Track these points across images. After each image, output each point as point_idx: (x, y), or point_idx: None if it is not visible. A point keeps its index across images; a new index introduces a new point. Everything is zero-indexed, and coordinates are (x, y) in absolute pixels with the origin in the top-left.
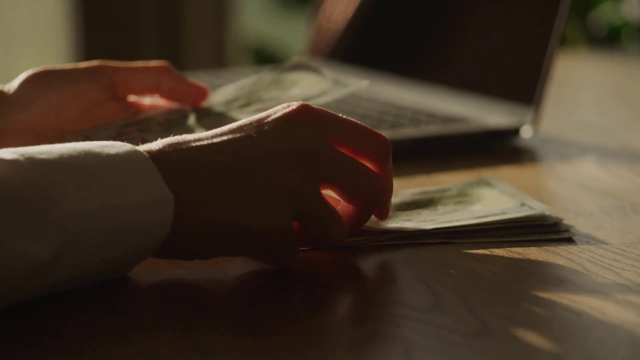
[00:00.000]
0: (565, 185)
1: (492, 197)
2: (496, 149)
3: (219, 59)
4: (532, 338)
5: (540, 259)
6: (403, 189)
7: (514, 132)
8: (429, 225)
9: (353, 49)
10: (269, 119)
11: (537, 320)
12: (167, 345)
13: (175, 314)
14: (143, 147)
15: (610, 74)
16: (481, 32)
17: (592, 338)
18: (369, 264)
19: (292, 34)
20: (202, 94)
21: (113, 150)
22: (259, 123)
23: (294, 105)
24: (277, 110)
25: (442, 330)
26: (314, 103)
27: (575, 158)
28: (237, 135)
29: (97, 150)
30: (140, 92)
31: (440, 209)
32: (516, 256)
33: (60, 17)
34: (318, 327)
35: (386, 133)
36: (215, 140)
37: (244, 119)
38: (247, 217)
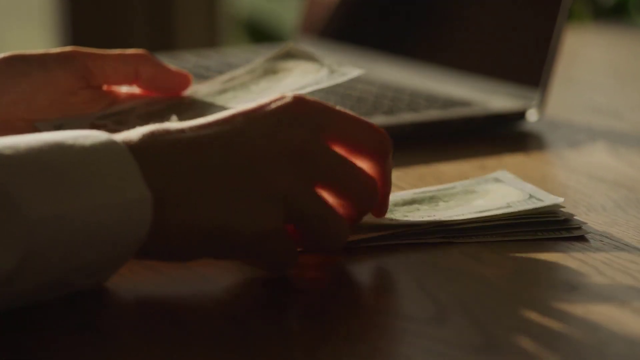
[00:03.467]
0: (574, 175)
1: (498, 191)
2: (500, 135)
3: (211, 36)
4: (542, 354)
5: (550, 261)
6: (400, 180)
7: (519, 116)
8: (425, 222)
9: (349, 26)
10: (261, 112)
11: (548, 333)
12: None
13: (154, 330)
14: (120, 137)
15: (620, 50)
16: (484, 9)
17: (610, 354)
18: (364, 269)
19: (285, 7)
20: (184, 82)
21: (87, 142)
22: (250, 116)
23: (287, 98)
24: (270, 103)
25: (444, 345)
26: (307, 92)
27: (584, 144)
28: (225, 128)
29: (69, 142)
30: (117, 82)
31: (442, 204)
32: (524, 257)
33: None
34: (310, 344)
35: (383, 118)
36: (201, 133)
37: (233, 110)
38: (235, 221)
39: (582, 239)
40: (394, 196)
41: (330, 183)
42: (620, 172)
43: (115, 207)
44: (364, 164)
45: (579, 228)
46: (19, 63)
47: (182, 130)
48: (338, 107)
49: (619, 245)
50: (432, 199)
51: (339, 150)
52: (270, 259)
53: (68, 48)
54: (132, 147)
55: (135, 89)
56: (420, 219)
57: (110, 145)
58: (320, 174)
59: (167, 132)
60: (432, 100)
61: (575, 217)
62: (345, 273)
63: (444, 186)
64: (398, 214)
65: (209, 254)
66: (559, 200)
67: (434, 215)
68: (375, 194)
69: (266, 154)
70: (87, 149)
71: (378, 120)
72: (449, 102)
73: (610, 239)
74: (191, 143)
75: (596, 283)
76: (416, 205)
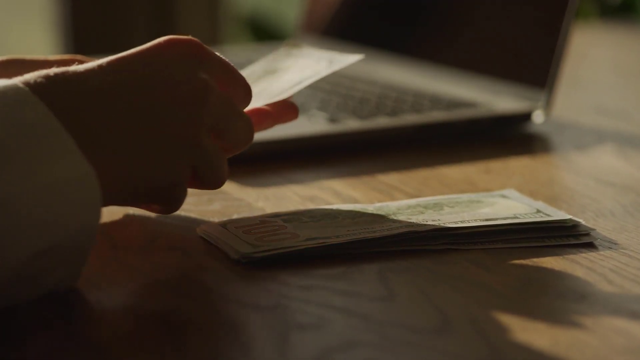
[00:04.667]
0: (582, 179)
1: (505, 203)
2: (506, 137)
3: (213, 34)
4: None
5: (557, 269)
6: (403, 184)
7: (525, 117)
8: (429, 227)
9: (351, 24)
10: (159, 57)
11: (556, 347)
12: None
13: (139, 333)
14: (20, 80)
15: (627, 49)
16: (489, 8)
17: None
18: (365, 276)
19: (288, 5)
20: None
21: None
22: (147, 60)
23: (185, 43)
24: (168, 47)
25: (449, 357)
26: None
27: (592, 147)
28: (124, 77)
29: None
30: None
31: (446, 209)
32: (530, 265)
33: None
34: (308, 355)
35: (386, 120)
36: (107, 79)
37: (124, 53)
38: (149, 175)
39: (590, 245)
40: (399, 203)
41: (220, 127)
42: (629, 176)
43: (61, 182)
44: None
45: (587, 234)
46: (17, 67)
47: (83, 75)
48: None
49: (629, 253)
50: (436, 205)
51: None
52: (166, 204)
53: (68, 55)
54: (30, 86)
55: None
56: (424, 222)
57: (17, 90)
58: (215, 119)
59: (66, 80)
60: (436, 101)
61: (583, 223)
62: (344, 278)
63: (449, 196)
64: (402, 217)
65: (123, 201)
66: (567, 216)
67: (439, 220)
68: (252, 134)
69: (168, 104)
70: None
71: (381, 121)
72: (454, 103)
73: (619, 246)
74: (95, 94)
75: (605, 292)
76: (420, 209)
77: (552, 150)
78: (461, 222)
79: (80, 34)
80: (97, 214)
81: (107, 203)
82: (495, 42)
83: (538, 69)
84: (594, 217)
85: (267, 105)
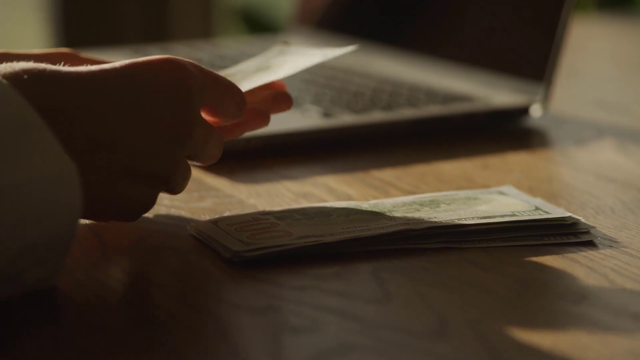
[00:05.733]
0: (581, 175)
1: (502, 201)
2: (503, 131)
3: (206, 26)
4: None
5: (557, 268)
6: (399, 180)
7: (523, 111)
8: (426, 225)
9: (345, 16)
10: (147, 83)
11: (556, 349)
12: None
13: (128, 335)
14: None
15: (626, 41)
16: (486, 0)
17: None
18: (360, 276)
19: None
20: None
21: None
22: (135, 81)
23: (176, 68)
24: (156, 70)
25: None
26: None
27: (591, 141)
28: (110, 74)
29: None
30: None
31: (443, 207)
32: (529, 265)
33: None
34: (301, 358)
35: (381, 114)
36: (89, 78)
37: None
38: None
39: (590, 244)
40: (394, 200)
41: (211, 102)
42: (629, 172)
43: (41, 178)
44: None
45: (587, 232)
46: (3, 61)
47: (68, 72)
48: (212, 71)
49: (630, 251)
50: (432, 202)
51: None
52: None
53: (55, 50)
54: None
55: None
56: (420, 220)
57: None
58: (191, 150)
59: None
60: (432, 95)
61: (582, 221)
62: (337, 278)
63: (446, 192)
64: (397, 214)
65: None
66: (566, 214)
67: (435, 217)
68: (244, 102)
69: (148, 134)
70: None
71: (376, 116)
72: (450, 97)
73: (620, 244)
74: (81, 82)
75: (606, 292)
76: (416, 206)
77: (550, 145)
78: (458, 219)
79: (72, 26)
80: (77, 211)
81: (97, 194)
82: (492, 35)
83: (536, 61)
84: (594, 214)
85: (261, 87)
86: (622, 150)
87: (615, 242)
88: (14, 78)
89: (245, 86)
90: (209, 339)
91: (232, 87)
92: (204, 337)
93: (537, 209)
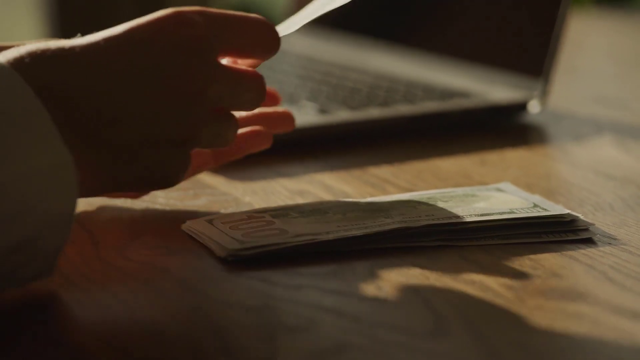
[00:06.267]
0: (580, 171)
1: (501, 197)
2: (501, 127)
3: None
4: None
5: (556, 266)
6: (396, 177)
7: (521, 107)
8: (422, 223)
9: (342, 11)
10: (141, 29)
11: (555, 348)
12: None
13: (120, 335)
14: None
15: (623, 37)
16: None
17: None
18: (356, 274)
19: None
20: None
21: None
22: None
23: (166, 13)
24: (151, 22)
25: None
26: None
27: (590, 138)
28: (116, 42)
29: None
30: None
31: (440, 204)
32: (527, 263)
33: None
34: (297, 358)
35: (377, 110)
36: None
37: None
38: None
39: (589, 241)
40: (391, 197)
41: (235, 44)
42: (628, 168)
43: (36, 172)
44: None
45: (586, 230)
46: None
47: (71, 47)
48: (221, 12)
49: (629, 249)
50: (430, 199)
51: (229, 56)
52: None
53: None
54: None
55: None
56: (417, 218)
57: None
58: (214, 102)
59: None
60: (429, 91)
61: (581, 218)
62: (332, 277)
63: (443, 190)
64: (394, 212)
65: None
66: (565, 211)
67: (432, 215)
68: (263, 96)
69: (159, 101)
70: None
71: (372, 112)
72: (447, 93)
73: (620, 242)
74: (94, 52)
75: (605, 290)
76: (413, 204)
77: (548, 141)
78: (456, 217)
79: (66, 22)
80: (73, 205)
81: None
82: (490, 30)
83: (534, 57)
84: (592, 211)
85: (265, 109)
86: (621, 146)
87: (615, 239)
88: (18, 62)
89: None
90: (204, 339)
91: (249, 19)
92: (199, 337)
93: (535, 205)
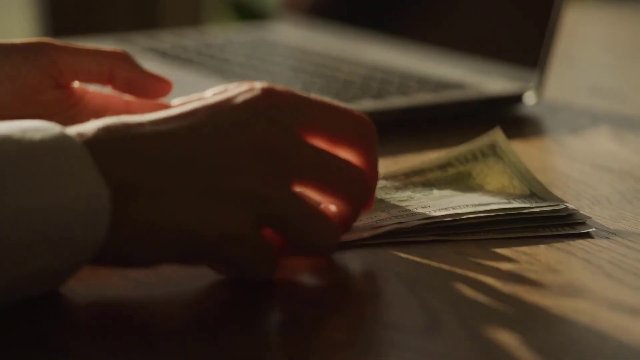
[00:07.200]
0: (577, 164)
1: (497, 176)
2: (496, 119)
3: (196, 14)
4: None
5: (552, 261)
6: (389, 169)
7: (516, 99)
8: (418, 218)
9: (335, 3)
10: (226, 105)
11: (552, 346)
12: None
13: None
14: (74, 130)
15: (620, 27)
16: None
17: None
18: (348, 272)
19: None
20: (163, 89)
21: (37, 136)
22: (214, 110)
23: (256, 90)
24: (237, 95)
25: (437, 359)
26: None
27: (587, 130)
28: (188, 123)
29: (18, 135)
30: (89, 81)
31: (436, 192)
32: (523, 258)
33: None
34: (287, 355)
35: (371, 102)
36: (162, 127)
37: (196, 103)
38: (196, 224)
39: (586, 235)
40: (385, 182)
41: (310, 180)
42: (626, 160)
43: (69, 205)
44: (347, 156)
45: (583, 223)
46: None
47: (140, 124)
48: (314, 96)
49: (627, 243)
50: (425, 185)
51: (318, 142)
52: (242, 266)
53: (35, 39)
54: (88, 142)
55: (107, 89)
56: (413, 212)
57: (62, 139)
58: (296, 170)
59: (125, 126)
60: (423, 83)
61: (578, 211)
62: (326, 276)
63: (438, 162)
64: (389, 204)
65: (172, 258)
66: (562, 204)
67: (428, 207)
68: (365, 186)
69: (231, 152)
70: (37, 143)
71: (366, 104)
72: (441, 85)
73: (617, 235)
74: (151, 137)
75: (603, 286)
76: (409, 193)
77: (544, 133)
78: (452, 208)
79: (59, 13)
80: (101, 235)
81: (149, 256)
82: (485, 21)
83: (529, 47)
84: (589, 204)
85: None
86: (618, 138)
87: (612, 233)
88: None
89: None
90: (196, 342)
91: (343, 109)
92: (193, 340)
93: (532, 193)
